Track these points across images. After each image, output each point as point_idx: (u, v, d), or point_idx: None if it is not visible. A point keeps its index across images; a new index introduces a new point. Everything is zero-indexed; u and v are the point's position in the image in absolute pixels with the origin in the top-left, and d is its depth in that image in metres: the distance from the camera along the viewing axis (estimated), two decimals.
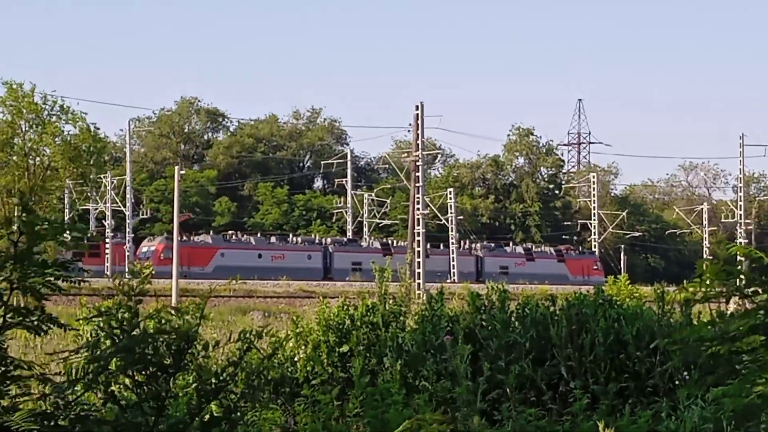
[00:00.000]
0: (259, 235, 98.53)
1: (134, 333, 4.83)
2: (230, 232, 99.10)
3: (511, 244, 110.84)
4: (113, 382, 4.87)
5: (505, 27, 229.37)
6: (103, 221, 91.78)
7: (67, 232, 4.94)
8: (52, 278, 4.76)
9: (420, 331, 13.73)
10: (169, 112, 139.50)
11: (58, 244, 4.84)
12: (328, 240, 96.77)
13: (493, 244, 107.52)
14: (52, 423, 4.59)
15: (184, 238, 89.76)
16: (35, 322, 4.78)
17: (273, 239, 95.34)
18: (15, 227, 4.77)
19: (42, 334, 4.83)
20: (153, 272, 5.12)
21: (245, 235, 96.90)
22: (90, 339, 4.87)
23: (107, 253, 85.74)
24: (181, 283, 59.86)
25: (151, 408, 4.88)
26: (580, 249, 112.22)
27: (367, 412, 11.33)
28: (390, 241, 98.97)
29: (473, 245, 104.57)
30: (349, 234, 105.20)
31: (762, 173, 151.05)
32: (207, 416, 4.94)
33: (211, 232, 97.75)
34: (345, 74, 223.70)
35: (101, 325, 4.85)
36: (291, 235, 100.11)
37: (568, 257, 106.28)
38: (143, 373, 4.84)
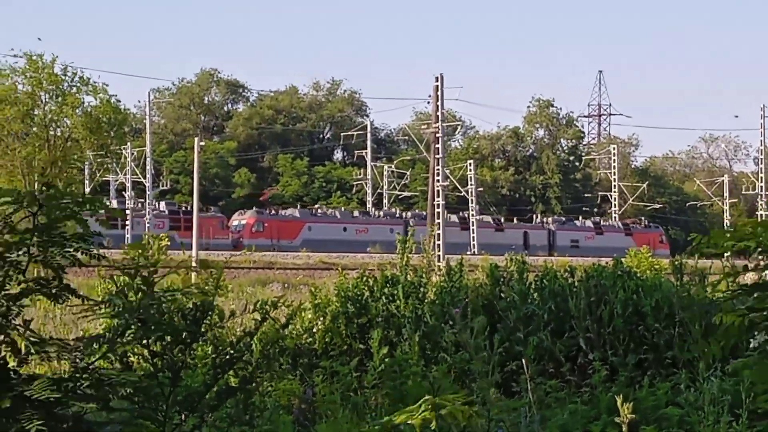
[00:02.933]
0: (343, 209, 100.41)
1: (150, 303, 4.85)
2: (316, 206, 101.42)
3: (580, 217, 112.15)
4: (129, 352, 4.89)
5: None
6: (124, 192, 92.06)
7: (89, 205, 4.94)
8: (71, 250, 4.77)
9: (439, 302, 13.73)
10: (189, 83, 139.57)
11: (77, 222, 4.85)
12: (408, 214, 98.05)
13: (564, 218, 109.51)
14: (71, 387, 4.60)
15: (273, 212, 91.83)
16: (53, 291, 4.81)
17: (356, 213, 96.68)
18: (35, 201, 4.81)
19: (61, 302, 4.85)
20: (168, 243, 5.11)
21: (330, 210, 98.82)
22: (107, 309, 4.86)
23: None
24: (207, 255, 59.94)
25: (167, 378, 4.89)
26: (646, 223, 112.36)
27: (386, 383, 11.34)
28: (466, 215, 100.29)
29: (545, 219, 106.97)
30: (369, 206, 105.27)
31: None
32: (224, 386, 4.95)
33: (298, 205, 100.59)
34: (365, 45, 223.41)
35: (118, 295, 4.86)
36: (374, 209, 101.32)
37: (635, 230, 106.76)
38: (159, 343, 4.85)
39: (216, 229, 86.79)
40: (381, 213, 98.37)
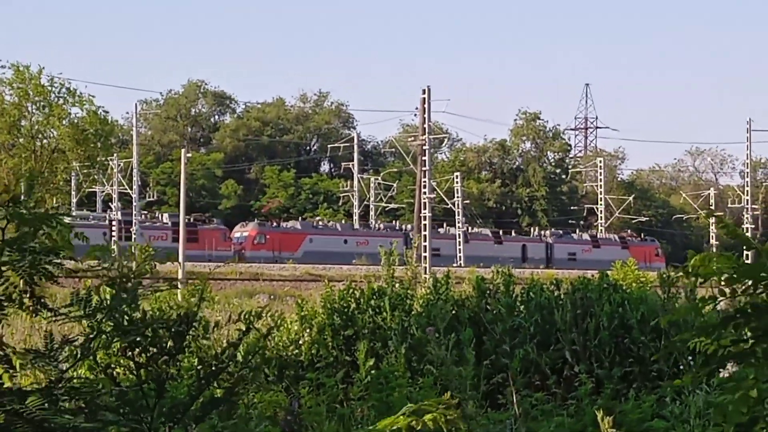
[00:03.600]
0: (344, 221, 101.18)
1: (134, 315, 4.83)
2: (317, 218, 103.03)
3: (577, 231, 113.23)
4: (114, 363, 4.87)
5: (512, 11, 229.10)
6: (110, 204, 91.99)
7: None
8: (41, 263, 4.79)
9: (425, 314, 13.72)
10: (176, 94, 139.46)
11: (50, 234, 4.87)
12: (408, 227, 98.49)
13: (561, 231, 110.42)
14: (59, 400, 4.59)
15: (275, 224, 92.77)
16: (24, 303, 4.83)
17: (357, 226, 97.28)
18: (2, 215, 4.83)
19: (35, 315, 4.88)
20: (153, 252, 5.11)
21: (331, 222, 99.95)
22: (91, 323, 4.85)
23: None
24: (192, 266, 59.81)
25: (152, 390, 4.88)
26: (642, 236, 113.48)
27: (372, 395, 11.33)
28: (467, 228, 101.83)
29: (543, 232, 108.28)
30: (356, 218, 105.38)
31: None
32: (209, 397, 4.94)
33: (300, 219, 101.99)
34: (352, 58, 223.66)
35: (100, 307, 4.84)
36: (374, 222, 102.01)
37: (631, 244, 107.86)
38: (144, 354, 4.84)
39: (219, 241, 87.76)
40: (381, 225, 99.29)
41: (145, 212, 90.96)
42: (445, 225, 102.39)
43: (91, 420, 4.59)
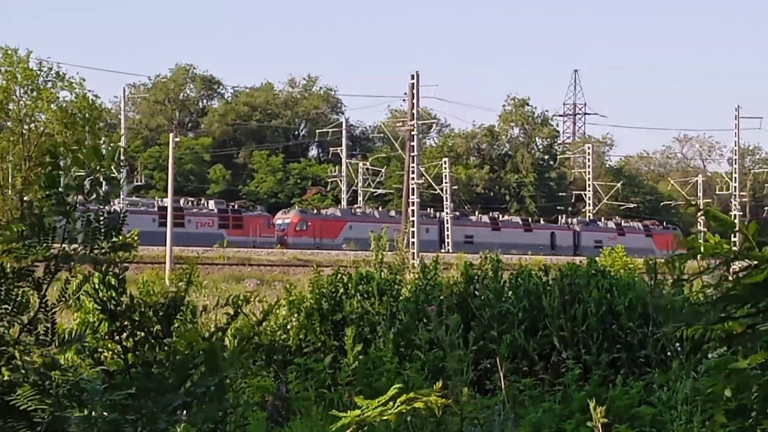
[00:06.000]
0: (380, 208, 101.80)
1: (121, 299, 4.81)
2: (356, 205, 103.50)
3: (602, 219, 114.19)
4: (101, 348, 4.86)
5: None
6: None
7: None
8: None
9: (413, 300, 13.72)
10: (164, 78, 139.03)
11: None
12: (443, 214, 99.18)
13: (587, 219, 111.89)
14: (52, 392, 4.57)
15: (315, 211, 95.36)
16: None
17: (393, 213, 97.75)
18: None
19: None
20: (137, 243, 5.10)
21: (369, 209, 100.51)
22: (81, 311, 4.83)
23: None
24: (179, 251, 59.74)
25: (139, 374, 4.86)
26: (664, 224, 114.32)
27: (360, 380, 11.33)
28: (498, 216, 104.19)
29: (570, 220, 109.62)
30: (344, 203, 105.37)
31: (757, 146, 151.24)
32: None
33: (341, 204, 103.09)
34: (341, 43, 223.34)
35: (88, 292, 4.82)
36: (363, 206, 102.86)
37: (654, 232, 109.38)
38: (131, 339, 4.82)
39: (262, 228, 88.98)
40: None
41: (192, 199, 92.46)
42: (477, 213, 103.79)
43: (81, 409, 4.56)
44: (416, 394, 4.83)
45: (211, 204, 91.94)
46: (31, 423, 4.33)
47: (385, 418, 4.71)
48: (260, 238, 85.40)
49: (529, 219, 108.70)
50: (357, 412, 4.89)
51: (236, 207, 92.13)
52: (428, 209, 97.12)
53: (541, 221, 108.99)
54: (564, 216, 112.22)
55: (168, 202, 63.91)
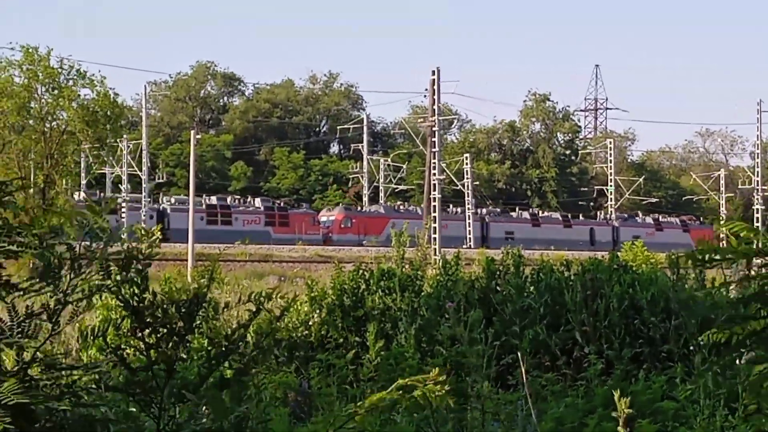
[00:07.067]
0: (423, 205, 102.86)
1: (144, 296, 4.83)
2: (398, 202, 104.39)
3: (640, 214, 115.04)
4: (124, 344, 4.88)
5: None
6: (120, 185, 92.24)
7: None
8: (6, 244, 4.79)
9: (435, 295, 13.72)
10: (185, 76, 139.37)
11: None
12: (484, 210, 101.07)
13: (626, 215, 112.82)
14: (41, 386, 4.57)
15: (359, 208, 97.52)
16: None
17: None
18: None
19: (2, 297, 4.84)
20: (158, 240, 5.12)
21: (411, 205, 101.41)
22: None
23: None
24: (202, 248, 59.84)
25: (161, 370, 4.88)
26: (701, 220, 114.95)
27: (381, 376, 11.33)
28: (537, 212, 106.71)
29: (609, 215, 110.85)
30: (365, 200, 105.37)
31: None
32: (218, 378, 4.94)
33: (382, 203, 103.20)
34: (362, 39, 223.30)
35: (112, 289, 4.84)
36: (450, 206, 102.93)
37: (692, 227, 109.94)
38: (153, 335, 4.84)
39: (308, 225, 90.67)
40: (458, 210, 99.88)
41: (239, 197, 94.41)
42: (517, 209, 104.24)
43: (76, 404, 4.56)
44: (412, 381, 4.81)
45: (258, 202, 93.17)
46: (19, 413, 4.32)
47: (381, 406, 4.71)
48: (306, 236, 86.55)
49: (569, 215, 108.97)
50: (366, 399, 4.89)
51: (282, 204, 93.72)
52: (449, 205, 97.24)
53: (581, 217, 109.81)
54: (597, 211, 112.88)
55: (190, 199, 63.92)
